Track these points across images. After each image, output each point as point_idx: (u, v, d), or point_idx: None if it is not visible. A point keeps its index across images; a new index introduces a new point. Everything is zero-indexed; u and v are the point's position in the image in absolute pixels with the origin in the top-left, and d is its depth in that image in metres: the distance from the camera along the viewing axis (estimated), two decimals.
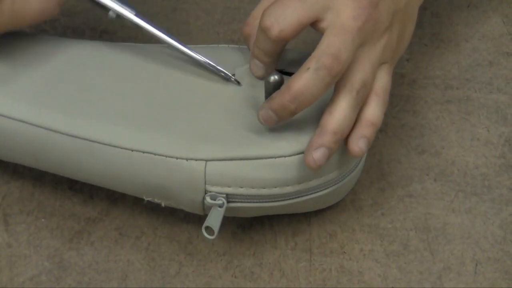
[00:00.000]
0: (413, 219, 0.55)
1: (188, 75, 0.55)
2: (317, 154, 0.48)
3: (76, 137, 0.52)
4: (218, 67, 0.54)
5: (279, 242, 0.55)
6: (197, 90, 0.54)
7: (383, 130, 0.60)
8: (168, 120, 0.52)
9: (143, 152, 0.51)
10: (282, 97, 0.48)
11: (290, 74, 0.54)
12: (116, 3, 0.54)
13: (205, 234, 0.50)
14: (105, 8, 0.55)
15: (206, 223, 0.50)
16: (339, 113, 0.48)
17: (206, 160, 0.50)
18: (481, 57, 0.65)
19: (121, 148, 0.51)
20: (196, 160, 0.50)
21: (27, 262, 0.55)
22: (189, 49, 0.54)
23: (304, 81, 0.47)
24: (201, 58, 0.54)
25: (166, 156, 0.50)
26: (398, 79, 0.64)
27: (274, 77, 0.50)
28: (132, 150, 0.51)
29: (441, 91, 0.63)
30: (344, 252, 0.54)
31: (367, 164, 0.58)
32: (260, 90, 0.52)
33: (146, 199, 0.53)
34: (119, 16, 0.54)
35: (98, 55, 0.57)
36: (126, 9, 0.55)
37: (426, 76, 0.64)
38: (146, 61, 0.56)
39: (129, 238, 0.56)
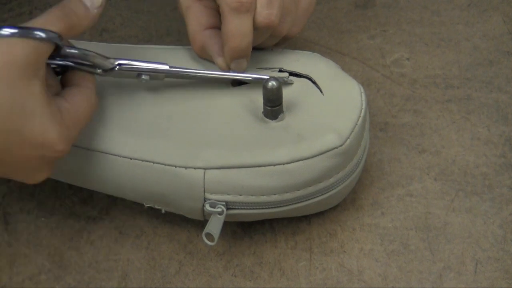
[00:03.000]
0: (413, 218, 0.55)
1: (186, 84, 0.54)
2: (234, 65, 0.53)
3: (73, 146, 0.51)
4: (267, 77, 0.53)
5: (279, 241, 0.55)
6: (195, 97, 0.53)
7: (384, 129, 0.60)
8: (167, 128, 0.51)
9: (142, 161, 0.50)
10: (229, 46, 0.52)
11: (289, 73, 0.54)
12: (147, 66, 0.51)
13: (206, 240, 0.50)
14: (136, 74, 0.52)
15: (206, 230, 0.50)
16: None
17: (205, 169, 0.50)
18: (481, 56, 0.65)
19: (120, 156, 0.51)
20: (194, 168, 0.50)
21: (27, 261, 0.55)
22: (232, 73, 0.53)
23: (231, 25, 0.51)
24: (249, 76, 0.53)
25: (165, 165, 0.50)
26: (399, 78, 0.64)
27: (272, 83, 0.49)
28: (131, 159, 0.51)
29: (441, 90, 0.63)
30: (344, 251, 0.54)
31: (367, 163, 0.58)
32: (258, 94, 0.52)
33: (146, 205, 0.53)
34: (151, 76, 0.52)
35: None
36: (159, 66, 0.52)
37: (427, 75, 0.64)
38: None
39: (129, 237, 0.56)
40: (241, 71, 0.53)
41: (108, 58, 0.49)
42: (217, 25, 0.53)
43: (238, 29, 0.51)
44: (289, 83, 0.53)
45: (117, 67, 0.50)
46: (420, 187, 0.57)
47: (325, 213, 0.55)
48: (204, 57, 0.55)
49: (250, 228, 0.55)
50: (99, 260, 0.55)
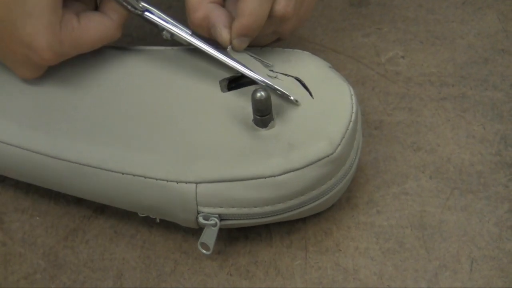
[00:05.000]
0: (409, 216, 0.55)
1: (175, 93, 0.54)
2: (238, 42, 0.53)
3: (65, 160, 0.51)
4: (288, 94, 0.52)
5: (275, 240, 0.55)
6: (185, 109, 0.53)
7: (379, 127, 0.60)
8: (158, 141, 0.51)
9: (134, 175, 0.50)
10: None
11: (281, 74, 0.54)
12: (172, 24, 0.54)
13: (201, 250, 0.50)
14: (159, 28, 0.55)
15: (201, 240, 0.50)
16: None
17: (197, 183, 0.49)
18: (476, 54, 0.65)
19: (111, 171, 0.51)
20: (186, 182, 0.49)
21: (21, 260, 0.54)
22: (255, 73, 0.53)
23: (251, 4, 0.51)
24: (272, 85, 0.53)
25: (156, 179, 0.50)
26: (394, 76, 0.64)
27: (260, 93, 0.49)
28: (123, 173, 0.50)
29: (436, 88, 0.63)
30: (340, 250, 0.54)
31: (362, 162, 0.58)
32: (248, 101, 0.51)
33: (141, 215, 0.53)
34: (173, 36, 0.54)
35: (85, 72, 0.55)
36: (181, 29, 0.54)
37: (422, 73, 0.64)
38: (132, 80, 0.55)
39: (124, 236, 0.55)
40: (252, 69, 0.53)
41: (139, 2, 0.53)
42: (220, 3, 0.53)
43: (257, 9, 0.51)
44: (297, 105, 0.52)
45: (146, 12, 0.54)
46: (415, 185, 0.57)
47: (321, 212, 0.55)
48: (199, 31, 0.54)
49: (245, 228, 0.55)
50: (94, 259, 0.54)
